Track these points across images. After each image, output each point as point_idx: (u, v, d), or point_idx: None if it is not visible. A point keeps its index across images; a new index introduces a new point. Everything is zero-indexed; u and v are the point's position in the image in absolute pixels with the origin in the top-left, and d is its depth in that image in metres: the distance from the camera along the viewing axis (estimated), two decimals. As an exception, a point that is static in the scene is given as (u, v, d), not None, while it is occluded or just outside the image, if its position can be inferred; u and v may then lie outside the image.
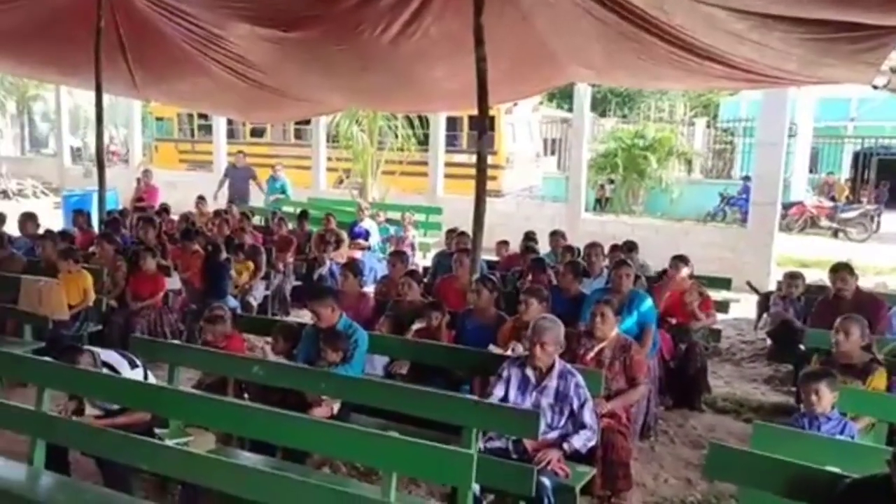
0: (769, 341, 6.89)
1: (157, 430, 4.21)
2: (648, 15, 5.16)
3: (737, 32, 4.94)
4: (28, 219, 8.69)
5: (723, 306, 7.34)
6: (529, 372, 4.06)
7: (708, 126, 22.99)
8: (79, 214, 9.79)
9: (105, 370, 4.20)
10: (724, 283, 7.81)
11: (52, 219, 11.97)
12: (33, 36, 7.58)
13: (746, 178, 16.11)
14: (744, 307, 8.24)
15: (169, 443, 3.95)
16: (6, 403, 4.23)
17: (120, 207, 11.91)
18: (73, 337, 6.54)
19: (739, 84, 8.30)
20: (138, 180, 13.20)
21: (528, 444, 3.92)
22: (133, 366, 4.29)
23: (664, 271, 6.76)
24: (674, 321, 6.20)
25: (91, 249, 8.03)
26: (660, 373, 5.70)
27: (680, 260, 6.47)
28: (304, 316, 7.93)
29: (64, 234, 8.33)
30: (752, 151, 13.63)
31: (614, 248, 7.63)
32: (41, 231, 8.42)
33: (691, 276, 6.52)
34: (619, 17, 5.30)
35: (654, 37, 5.51)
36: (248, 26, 6.82)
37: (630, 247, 7.84)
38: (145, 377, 4.31)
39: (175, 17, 7.22)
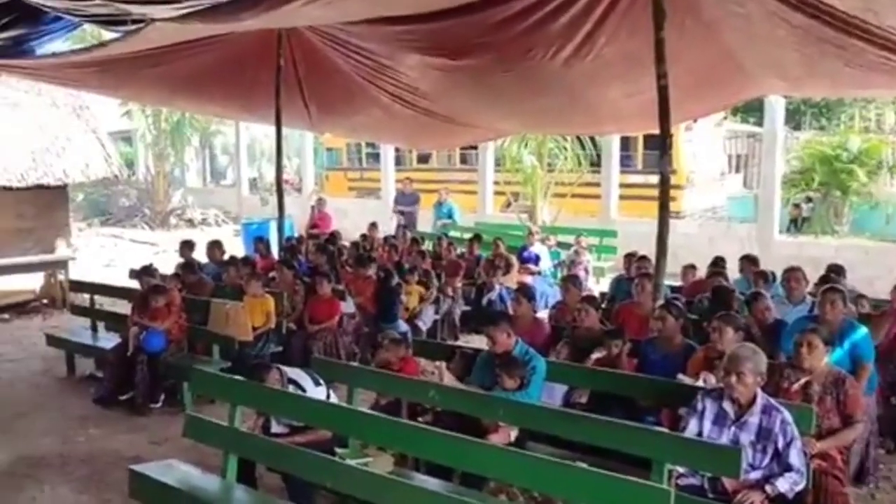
0: None
1: (337, 450, 4.46)
2: (855, 18, 4.83)
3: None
4: (215, 246, 9.57)
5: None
6: (727, 405, 3.87)
7: (925, 134, 20.92)
8: (259, 241, 10.64)
9: (291, 387, 4.52)
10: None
11: (233, 245, 13.08)
12: (218, 77, 8.39)
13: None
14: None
15: (350, 462, 4.17)
16: (203, 419, 4.67)
17: (296, 234, 12.78)
18: (256, 357, 7.11)
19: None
20: (312, 208, 14.16)
21: (728, 483, 3.73)
22: (317, 384, 4.60)
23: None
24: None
25: (271, 275, 8.69)
26: (880, 412, 5.23)
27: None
28: (473, 341, 8.11)
29: (246, 261, 9.09)
30: None
31: (824, 278, 6.96)
32: (226, 257, 9.23)
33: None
34: (820, 22, 5.00)
35: (863, 41, 5.15)
36: (418, 56, 7.16)
37: (836, 271, 7.27)
38: (328, 396, 4.60)
39: (349, 52, 7.74)
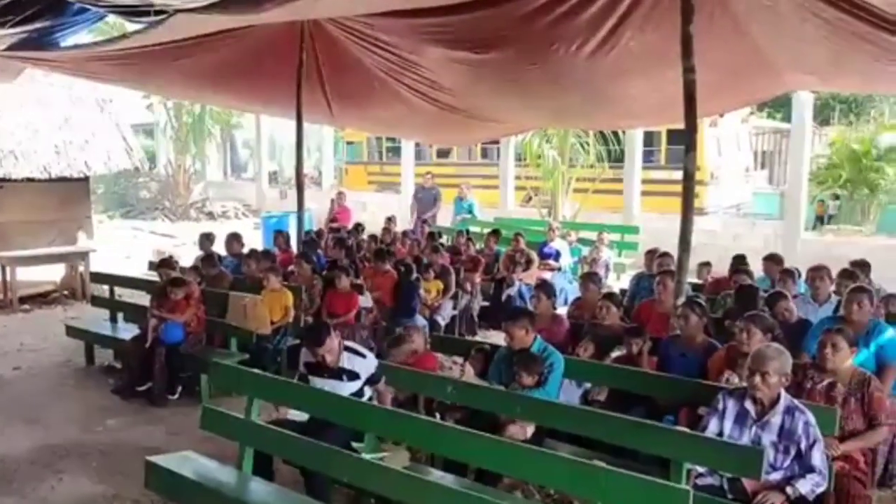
0: None
1: (353, 444, 4.47)
2: (887, 12, 4.75)
3: None
4: (234, 239, 9.62)
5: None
6: (749, 405, 3.83)
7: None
8: (279, 235, 10.68)
9: (347, 354, 4.62)
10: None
11: (252, 239, 13.16)
12: (241, 70, 8.42)
13: None
14: None
15: (366, 457, 4.18)
16: (221, 411, 4.71)
17: (315, 228, 12.82)
18: (274, 350, 7.17)
19: None
20: (332, 201, 14.19)
21: (748, 484, 3.70)
22: (370, 353, 4.77)
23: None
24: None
25: (290, 268, 8.73)
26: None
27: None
28: (490, 337, 8.11)
29: (266, 254, 9.14)
30: None
31: (845, 273, 6.86)
32: (245, 250, 9.29)
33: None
34: (852, 16, 4.92)
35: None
36: (441, 50, 7.13)
37: (861, 266, 7.13)
38: (378, 367, 4.75)
39: (371, 46, 7.73)
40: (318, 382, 4.62)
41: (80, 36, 7.55)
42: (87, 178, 11.92)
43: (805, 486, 3.65)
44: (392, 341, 5.52)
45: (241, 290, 7.55)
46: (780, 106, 21.02)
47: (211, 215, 22.80)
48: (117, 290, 8.90)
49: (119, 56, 7.28)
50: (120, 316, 8.35)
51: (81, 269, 11.24)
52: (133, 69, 7.93)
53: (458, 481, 4.12)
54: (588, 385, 5.36)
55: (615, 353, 5.40)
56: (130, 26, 6.85)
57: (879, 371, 4.81)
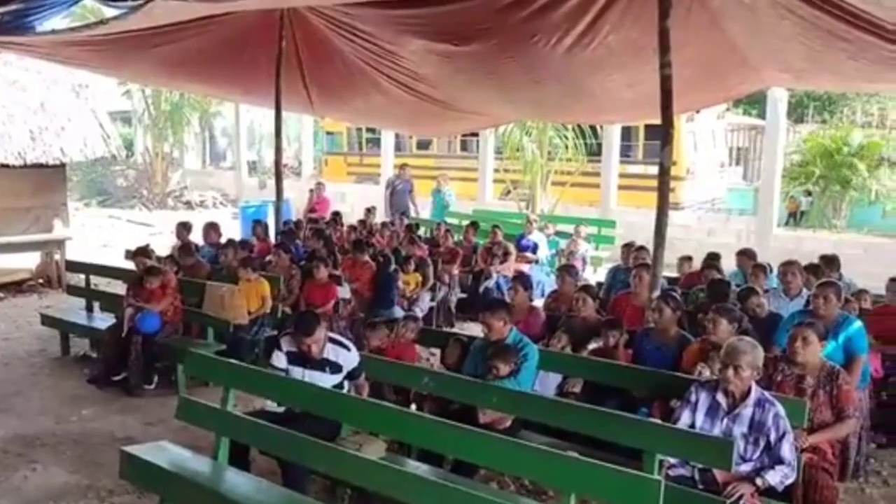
0: None
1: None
2: (863, 11, 4.80)
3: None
4: (211, 228, 9.52)
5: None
6: (721, 397, 3.87)
7: (928, 131, 20.89)
8: (257, 225, 10.60)
9: (331, 345, 4.57)
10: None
11: (231, 228, 13.05)
12: (220, 58, 8.33)
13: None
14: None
15: (342, 447, 4.16)
16: (196, 401, 4.66)
17: (294, 218, 12.74)
18: (250, 341, 7.12)
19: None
20: (311, 192, 14.10)
21: (718, 475, 3.74)
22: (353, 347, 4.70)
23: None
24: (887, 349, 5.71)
25: (268, 258, 8.67)
26: (870, 407, 5.25)
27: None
28: (468, 328, 8.11)
29: (244, 244, 9.07)
30: None
31: (809, 267, 6.90)
32: (223, 240, 9.21)
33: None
34: (827, 14, 4.97)
35: (871, 35, 5.11)
36: (421, 41, 7.11)
37: (829, 262, 7.23)
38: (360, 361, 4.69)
39: (351, 36, 7.68)
40: (299, 373, 4.56)
41: (56, 20, 7.42)
42: (63, 165, 11.72)
43: (774, 478, 3.69)
44: (371, 325, 5.54)
45: (218, 280, 7.48)
46: (756, 103, 21.18)
47: (189, 204, 22.57)
48: (93, 278, 8.79)
49: (96, 42, 7.18)
50: (96, 305, 8.25)
51: (57, 257, 11.08)
52: (110, 55, 7.83)
53: (433, 471, 4.12)
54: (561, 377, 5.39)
55: (592, 346, 5.42)
56: (108, 12, 6.75)
57: (847, 363, 4.89)
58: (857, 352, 5.02)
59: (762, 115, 16.48)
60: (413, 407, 4.99)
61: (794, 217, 17.39)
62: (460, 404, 4.63)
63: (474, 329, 6.88)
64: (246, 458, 4.51)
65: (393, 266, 8.38)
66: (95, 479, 4.92)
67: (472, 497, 3.38)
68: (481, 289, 8.99)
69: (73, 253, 11.03)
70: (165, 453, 4.33)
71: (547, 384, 5.34)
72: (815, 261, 7.20)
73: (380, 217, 12.64)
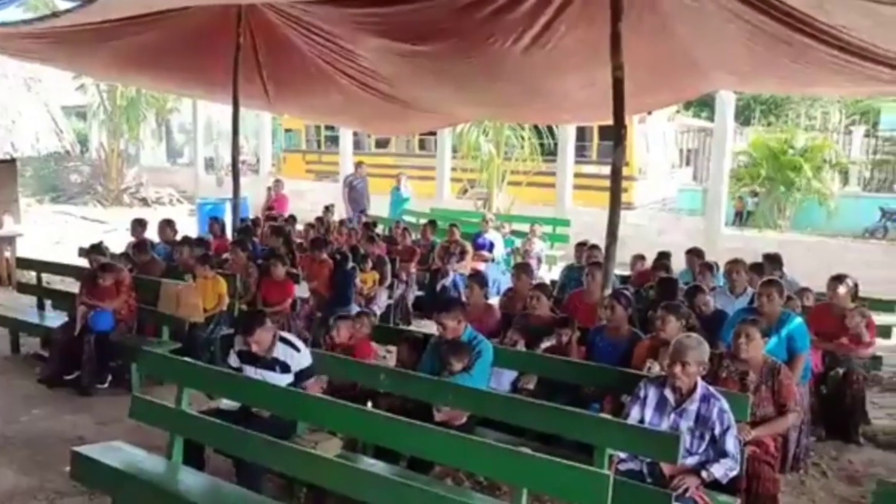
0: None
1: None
2: (806, 16, 4.93)
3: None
4: (167, 225, 9.36)
5: (884, 331, 6.92)
6: (668, 393, 3.95)
7: (867, 135, 21.55)
8: (214, 222, 10.46)
9: (281, 344, 4.54)
10: (887, 306, 7.34)
11: (187, 225, 12.83)
12: (176, 53, 8.16)
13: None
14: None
15: (297, 446, 4.13)
16: (150, 401, 4.59)
17: (251, 216, 12.59)
18: (206, 339, 7.02)
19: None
20: (269, 189, 13.94)
21: (665, 468, 3.81)
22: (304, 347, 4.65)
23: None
24: (826, 346, 5.88)
25: (225, 256, 8.55)
26: (811, 401, 5.39)
27: (839, 280, 6.10)
28: (425, 326, 8.11)
29: (200, 241, 8.92)
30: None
31: (753, 266, 7.00)
32: (179, 237, 9.05)
33: (854, 297, 6.13)
34: (772, 19, 5.08)
35: (812, 39, 5.24)
36: (378, 40, 7.07)
37: (772, 260, 7.41)
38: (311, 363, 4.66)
39: (309, 33, 7.61)
40: (251, 371, 4.54)
41: (7, 11, 7.21)
42: (13, 161, 11.44)
43: (719, 470, 3.78)
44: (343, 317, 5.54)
45: (173, 278, 7.36)
46: (705, 105, 21.62)
47: (145, 201, 22.09)
48: (45, 276, 8.57)
49: (49, 34, 6.98)
50: (48, 303, 8.06)
51: (7, 254, 10.78)
52: (63, 48, 7.63)
53: (389, 469, 4.12)
54: (516, 374, 5.42)
55: (545, 343, 5.47)
56: (62, 4, 6.58)
57: (789, 359, 5.02)
58: (798, 348, 5.16)
59: (711, 118, 16.79)
60: (369, 404, 4.97)
61: (741, 217, 17.77)
62: (416, 402, 4.63)
63: (431, 327, 6.87)
64: (201, 457, 4.46)
65: (350, 264, 8.33)
66: (46, 480, 4.80)
67: (427, 494, 3.40)
68: (438, 287, 8.99)
69: (25, 250, 10.72)
70: (118, 453, 4.25)
71: (501, 381, 5.37)
72: (760, 260, 7.38)
73: (338, 215, 12.56)
